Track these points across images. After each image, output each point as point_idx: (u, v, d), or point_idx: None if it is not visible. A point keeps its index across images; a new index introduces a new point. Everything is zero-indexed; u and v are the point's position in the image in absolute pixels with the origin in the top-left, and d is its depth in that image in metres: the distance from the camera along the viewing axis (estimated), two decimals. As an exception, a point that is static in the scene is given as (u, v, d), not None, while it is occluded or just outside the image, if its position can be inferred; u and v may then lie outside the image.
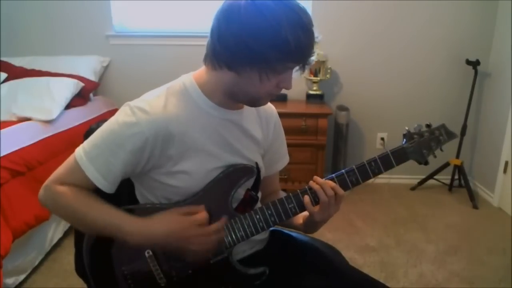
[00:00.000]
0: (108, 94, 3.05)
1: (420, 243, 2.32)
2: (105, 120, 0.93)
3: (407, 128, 1.01)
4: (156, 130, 0.88)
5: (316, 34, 0.85)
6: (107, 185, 0.91)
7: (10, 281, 1.78)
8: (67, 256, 2.11)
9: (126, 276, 0.96)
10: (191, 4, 2.93)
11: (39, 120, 2.19)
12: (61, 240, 2.21)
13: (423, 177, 3.05)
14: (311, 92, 2.96)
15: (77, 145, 0.94)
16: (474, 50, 2.92)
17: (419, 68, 3.02)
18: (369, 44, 2.99)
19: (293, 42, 0.80)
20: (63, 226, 2.21)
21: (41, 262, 2.03)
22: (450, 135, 1.01)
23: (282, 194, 1.00)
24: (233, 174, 0.97)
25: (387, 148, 0.97)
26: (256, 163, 1.03)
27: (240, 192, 1.00)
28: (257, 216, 0.96)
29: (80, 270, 1.06)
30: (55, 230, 2.15)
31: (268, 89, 0.89)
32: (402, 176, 3.12)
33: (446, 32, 2.94)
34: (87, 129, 1.04)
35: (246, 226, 0.96)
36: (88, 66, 2.83)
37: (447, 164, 2.96)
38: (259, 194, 1.07)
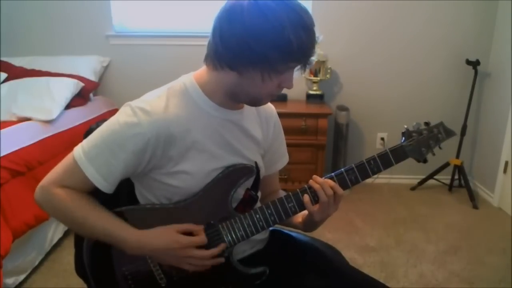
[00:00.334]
0: (108, 94, 3.05)
1: (420, 243, 2.32)
2: (105, 120, 0.93)
3: (406, 126, 1.01)
4: (157, 131, 0.88)
5: (317, 34, 0.85)
6: (107, 186, 0.90)
7: (10, 281, 1.78)
8: (67, 256, 2.11)
9: (127, 276, 0.96)
10: (191, 4, 2.93)
11: (39, 120, 2.19)
12: (61, 240, 2.21)
13: (423, 177, 3.05)
14: (311, 92, 2.96)
15: (77, 145, 0.93)
16: (474, 50, 2.92)
17: (419, 68, 3.02)
18: (369, 44, 2.99)
19: (296, 43, 0.81)
20: (63, 226, 2.20)
21: (41, 262, 2.03)
22: (449, 133, 1.01)
23: (282, 194, 1.00)
24: (232, 174, 0.97)
25: (386, 148, 0.97)
26: (256, 163, 1.03)
27: (240, 192, 1.00)
28: (257, 216, 0.96)
29: (80, 270, 1.06)
30: (55, 230, 2.15)
31: (269, 89, 0.90)
32: (402, 176, 3.11)
33: (446, 32, 2.94)
34: (87, 129, 1.04)
35: (246, 226, 0.96)
36: (88, 66, 2.83)
37: (447, 164, 2.96)
38: (259, 194, 1.07)
